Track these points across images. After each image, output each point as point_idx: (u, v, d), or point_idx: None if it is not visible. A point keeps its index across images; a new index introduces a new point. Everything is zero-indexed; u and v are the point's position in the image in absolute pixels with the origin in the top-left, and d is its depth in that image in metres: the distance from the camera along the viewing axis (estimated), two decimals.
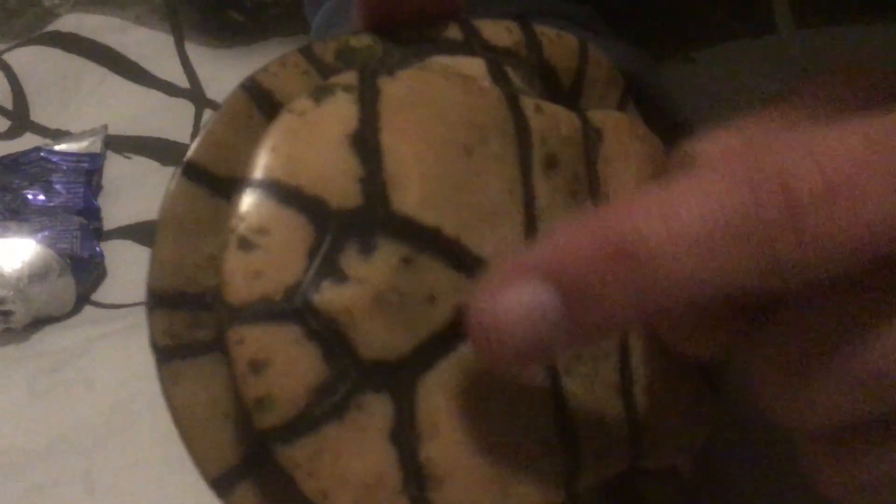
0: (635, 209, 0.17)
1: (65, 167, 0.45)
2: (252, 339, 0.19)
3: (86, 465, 0.32)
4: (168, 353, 0.20)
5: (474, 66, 0.23)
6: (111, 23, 0.53)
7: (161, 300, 0.21)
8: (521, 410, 0.21)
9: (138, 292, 0.39)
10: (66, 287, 0.39)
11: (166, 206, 0.21)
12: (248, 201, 0.19)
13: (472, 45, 0.23)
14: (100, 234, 0.43)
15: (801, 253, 0.16)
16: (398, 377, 0.20)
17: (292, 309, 0.19)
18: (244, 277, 0.19)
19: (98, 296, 0.41)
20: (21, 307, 0.38)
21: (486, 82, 0.23)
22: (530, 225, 0.22)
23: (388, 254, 0.20)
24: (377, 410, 0.20)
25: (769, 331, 0.19)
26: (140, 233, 0.43)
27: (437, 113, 0.22)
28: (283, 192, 0.20)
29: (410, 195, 0.21)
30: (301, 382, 0.19)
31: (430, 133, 0.21)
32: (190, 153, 0.21)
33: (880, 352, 0.17)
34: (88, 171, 0.45)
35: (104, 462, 0.32)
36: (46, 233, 0.40)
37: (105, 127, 0.48)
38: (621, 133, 0.25)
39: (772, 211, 0.16)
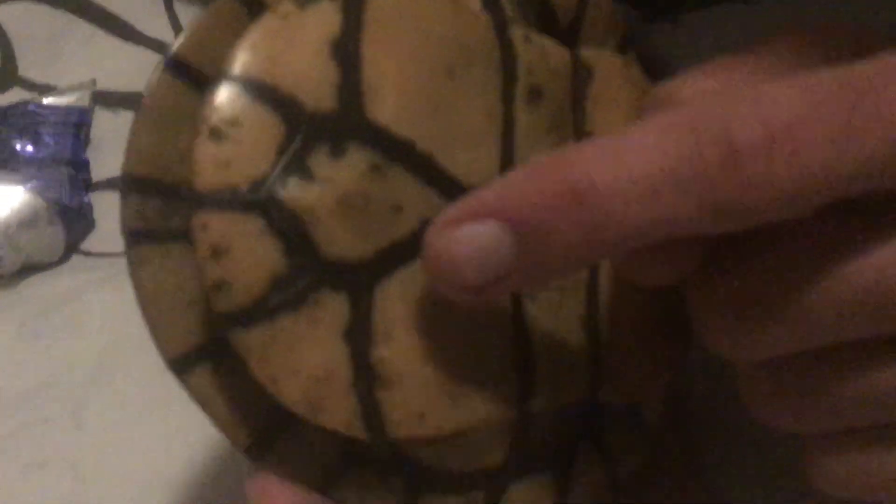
0: (588, 154, 0.18)
1: (53, 120, 0.45)
2: (215, 226, 0.19)
3: (74, 404, 0.32)
4: (138, 236, 0.21)
5: None
6: None
7: (135, 185, 0.21)
8: (478, 327, 0.22)
9: None
10: (54, 235, 0.39)
11: (147, 95, 0.21)
12: (223, 94, 0.20)
13: None
14: (88, 185, 0.43)
15: (742, 198, 0.17)
16: (357, 279, 0.20)
17: (257, 200, 0.20)
18: (213, 165, 0.20)
19: (86, 245, 0.41)
20: (9, 254, 0.38)
21: (477, 6, 0.23)
22: (506, 152, 0.23)
23: (357, 159, 0.21)
24: (333, 308, 0.20)
25: (724, 265, 0.20)
26: None
27: (423, 30, 0.22)
28: (259, 89, 0.20)
29: (387, 106, 0.21)
30: (259, 271, 0.20)
31: (414, 50, 0.22)
32: (175, 47, 0.21)
33: (825, 291, 0.18)
34: (77, 125, 0.45)
35: (93, 401, 0.32)
36: (35, 182, 0.40)
37: (93, 82, 0.48)
38: (613, 75, 0.25)
39: (712, 158, 0.17)
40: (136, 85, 0.48)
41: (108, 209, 0.42)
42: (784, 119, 0.17)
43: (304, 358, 0.20)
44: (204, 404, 0.21)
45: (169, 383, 0.33)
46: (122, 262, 0.39)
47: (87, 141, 0.46)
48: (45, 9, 0.52)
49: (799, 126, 0.17)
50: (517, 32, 0.23)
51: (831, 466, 0.20)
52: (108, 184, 0.43)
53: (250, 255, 0.20)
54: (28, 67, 0.50)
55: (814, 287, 0.18)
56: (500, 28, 0.23)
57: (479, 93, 0.22)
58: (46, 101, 0.46)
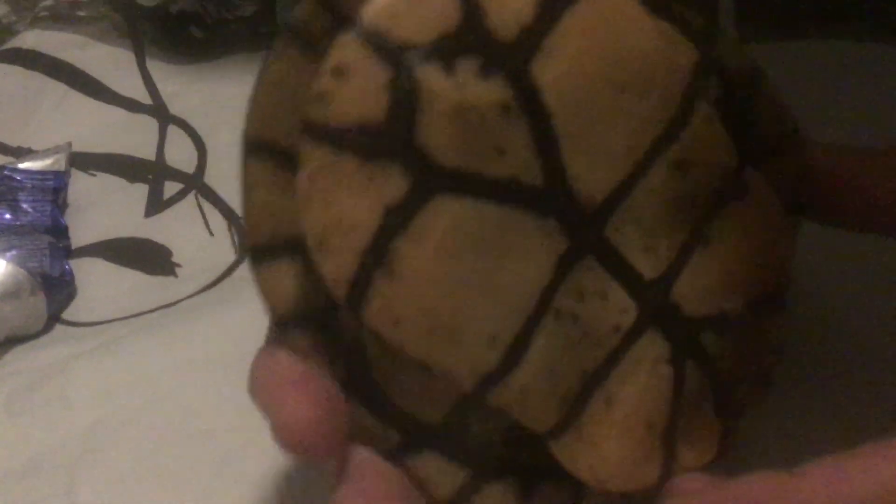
0: None
1: (30, 185, 0.45)
2: (341, 51, 0.21)
3: (68, 483, 0.32)
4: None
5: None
6: (71, 39, 0.53)
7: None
8: (496, 291, 0.23)
9: (109, 310, 0.40)
10: (36, 306, 0.39)
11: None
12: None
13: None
14: (68, 253, 0.43)
15: None
16: (429, 177, 0.22)
17: (393, 51, 0.21)
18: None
19: (69, 314, 0.41)
20: None
21: (688, 46, 0.24)
22: (626, 186, 0.23)
23: (495, 86, 0.22)
24: (393, 182, 0.22)
25: None
26: (109, 250, 0.43)
27: (617, 37, 0.23)
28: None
29: (548, 65, 0.22)
30: (358, 109, 0.21)
31: (597, 44, 0.22)
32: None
33: None
34: (55, 189, 0.45)
35: (87, 478, 0.32)
36: (15, 251, 0.40)
37: (69, 144, 0.48)
38: (760, 210, 0.26)
39: None
40: (111, 146, 0.49)
41: (88, 276, 0.42)
42: None
43: (342, 201, 0.21)
44: (268, 294, 0.23)
45: (162, 455, 0.34)
46: (107, 331, 0.39)
47: (64, 205, 0.46)
48: (17, 70, 0.52)
49: None
50: (703, 108, 0.24)
51: None
52: (89, 250, 0.43)
53: (362, 87, 0.21)
54: (1, 130, 0.50)
55: None
56: (689, 93, 0.24)
57: (633, 124, 0.23)
58: (22, 165, 0.46)
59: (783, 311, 0.26)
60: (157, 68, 0.53)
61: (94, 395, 0.36)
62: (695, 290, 0.25)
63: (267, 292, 0.23)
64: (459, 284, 0.22)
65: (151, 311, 0.40)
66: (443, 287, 0.22)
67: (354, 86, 0.21)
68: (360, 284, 0.21)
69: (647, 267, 0.24)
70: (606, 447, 0.24)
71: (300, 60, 0.23)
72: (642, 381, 0.24)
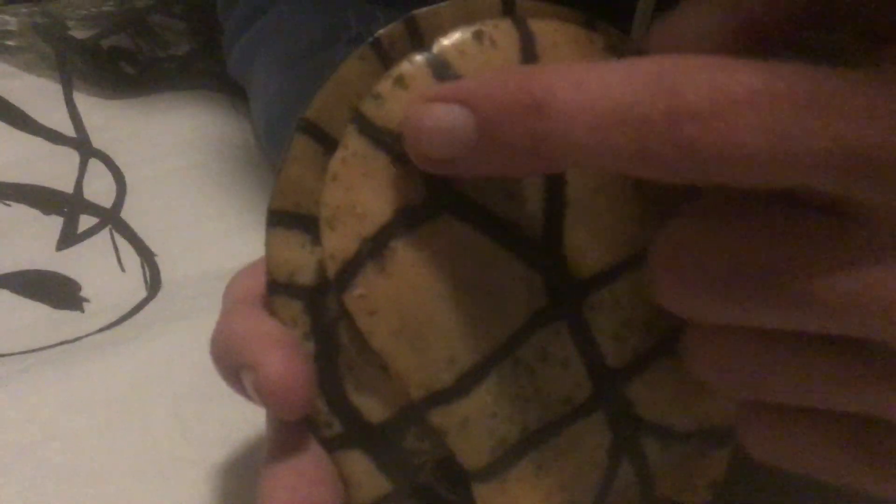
0: (558, 73, 0.19)
1: None
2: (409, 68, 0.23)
3: None
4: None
5: None
6: None
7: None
8: (478, 318, 0.23)
9: (8, 343, 0.39)
10: None
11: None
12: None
13: None
14: None
15: (671, 154, 0.18)
16: (445, 193, 0.23)
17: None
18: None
19: None
20: None
21: None
22: (620, 269, 0.25)
23: None
24: (409, 184, 0.23)
25: (709, 219, 0.21)
26: (15, 282, 0.42)
27: None
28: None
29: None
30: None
31: None
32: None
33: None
34: None
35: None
36: None
37: None
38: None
39: (657, 109, 0.18)
40: (30, 176, 0.48)
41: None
42: (735, 93, 0.18)
43: (363, 189, 0.23)
44: (272, 256, 0.25)
45: (51, 495, 0.33)
46: (4, 365, 0.38)
47: None
48: None
49: (743, 104, 0.18)
50: None
51: (763, 433, 0.22)
52: (0, 280, 0.42)
53: (414, 100, 0.22)
54: None
55: (799, 274, 0.19)
56: None
57: (640, 218, 0.24)
58: None
59: (729, 449, 0.26)
60: (83, 101, 0.53)
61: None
62: (650, 395, 0.25)
63: (271, 254, 0.25)
64: (438, 299, 0.23)
65: (54, 345, 0.39)
66: (422, 296, 0.23)
67: (408, 97, 0.23)
68: (352, 267, 0.23)
69: (612, 354, 0.25)
70: None
71: (374, 69, 0.24)
72: (577, 460, 0.24)
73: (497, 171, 0.21)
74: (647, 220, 0.24)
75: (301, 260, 0.25)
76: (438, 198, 0.23)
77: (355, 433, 0.24)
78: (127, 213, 0.46)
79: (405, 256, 0.23)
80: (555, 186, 0.24)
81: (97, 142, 0.50)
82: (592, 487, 0.25)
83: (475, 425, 0.24)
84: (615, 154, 0.19)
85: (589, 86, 0.19)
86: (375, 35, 0.24)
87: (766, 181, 0.18)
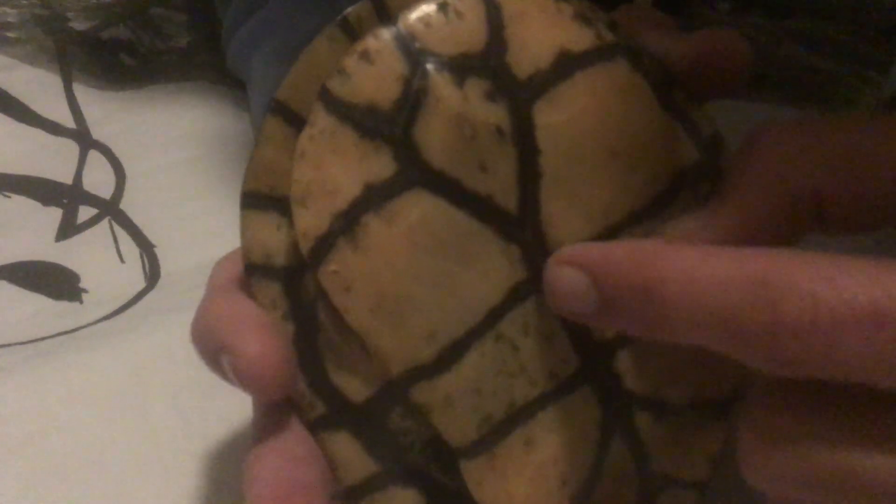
0: (674, 259, 0.21)
1: None
2: (374, 42, 0.24)
3: None
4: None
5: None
6: None
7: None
8: (456, 292, 0.23)
9: (7, 334, 0.39)
10: None
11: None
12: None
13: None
14: None
15: (771, 361, 0.19)
16: (414, 168, 0.23)
17: (411, 52, 0.23)
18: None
19: None
20: None
21: (690, 146, 0.25)
22: (599, 240, 0.24)
23: (492, 111, 0.23)
24: (380, 160, 0.23)
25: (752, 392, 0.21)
26: (15, 273, 0.42)
27: (618, 110, 0.24)
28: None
29: (549, 112, 0.24)
30: (372, 91, 0.23)
31: (599, 110, 0.24)
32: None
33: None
34: None
35: None
36: None
37: None
38: None
39: (755, 322, 0.19)
40: (29, 168, 0.48)
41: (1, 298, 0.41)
42: (837, 313, 0.18)
43: (332, 165, 0.23)
44: (247, 238, 0.25)
45: (51, 485, 0.33)
46: (3, 356, 0.38)
47: None
48: None
49: (848, 325, 0.18)
50: (688, 198, 0.25)
51: None
52: (2, 271, 0.42)
53: (380, 74, 0.23)
54: None
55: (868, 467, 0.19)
56: (678, 182, 0.25)
57: (616, 189, 0.24)
58: None
59: (726, 422, 0.26)
60: (83, 93, 0.52)
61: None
62: (639, 368, 0.25)
63: (246, 237, 0.25)
64: (414, 274, 0.23)
65: (53, 336, 0.39)
66: (398, 271, 0.23)
67: (374, 71, 0.23)
68: (326, 243, 0.23)
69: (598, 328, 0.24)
70: (515, 484, 0.24)
71: (343, 48, 0.24)
72: (567, 435, 0.24)
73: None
74: (625, 188, 0.24)
75: (276, 241, 0.25)
76: (409, 172, 0.23)
77: (339, 414, 0.24)
78: (126, 205, 0.46)
79: (378, 231, 0.23)
80: (529, 157, 0.23)
81: (97, 133, 0.50)
82: (584, 463, 0.24)
83: (459, 402, 0.24)
84: (717, 344, 0.20)
85: (700, 275, 0.20)
86: (343, 14, 0.24)
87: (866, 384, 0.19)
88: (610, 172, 0.24)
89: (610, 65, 0.24)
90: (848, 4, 0.60)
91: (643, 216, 0.24)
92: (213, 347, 0.24)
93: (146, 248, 0.44)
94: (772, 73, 0.54)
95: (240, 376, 0.23)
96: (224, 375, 0.24)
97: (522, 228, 0.24)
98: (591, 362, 0.24)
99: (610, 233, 0.24)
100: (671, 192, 0.25)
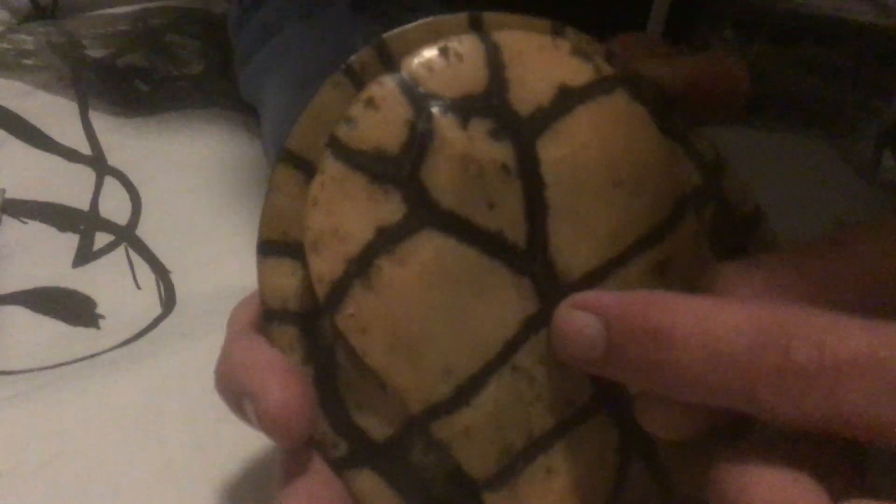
0: (686, 306, 0.21)
1: None
2: (378, 88, 0.24)
3: None
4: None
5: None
6: (16, 87, 0.54)
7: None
8: (470, 327, 0.24)
9: (27, 360, 0.39)
10: None
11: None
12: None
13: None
14: None
15: (778, 402, 0.20)
16: (424, 209, 0.24)
17: (417, 96, 0.24)
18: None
19: None
20: None
21: (691, 169, 0.26)
22: (607, 267, 0.25)
23: (497, 149, 0.24)
24: (391, 204, 0.24)
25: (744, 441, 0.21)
26: (32, 299, 0.43)
27: (620, 140, 0.25)
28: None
29: (553, 147, 0.24)
30: (382, 137, 0.24)
31: (601, 142, 0.25)
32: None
33: None
34: None
35: None
36: None
37: (3, 191, 0.48)
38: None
39: (764, 364, 0.20)
40: (46, 194, 0.49)
41: (9, 325, 0.42)
42: (841, 357, 0.19)
43: (344, 211, 0.24)
44: (264, 285, 0.25)
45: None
46: (23, 382, 0.39)
47: None
48: None
49: (851, 370, 0.19)
50: (692, 222, 0.25)
51: None
52: (12, 298, 0.43)
53: (386, 120, 0.24)
54: None
55: None
56: (681, 206, 0.25)
57: (621, 216, 0.25)
58: None
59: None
60: (99, 119, 0.53)
61: (4, 444, 0.35)
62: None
63: (264, 283, 0.25)
64: (429, 312, 0.24)
65: (70, 362, 0.40)
66: (412, 310, 0.23)
67: (380, 117, 0.24)
68: (341, 288, 0.23)
69: None
70: None
71: (349, 94, 0.25)
72: (586, 461, 0.25)
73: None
74: (630, 215, 0.25)
75: (292, 286, 0.25)
76: (419, 213, 0.24)
77: (362, 452, 0.25)
78: (142, 231, 0.47)
79: (391, 273, 0.23)
80: (535, 191, 0.24)
81: (112, 160, 0.51)
82: (605, 487, 0.25)
83: (479, 435, 0.24)
84: (724, 392, 0.20)
85: (711, 325, 0.20)
86: (347, 61, 0.25)
87: (864, 439, 0.20)
88: (615, 201, 0.24)
89: (609, 97, 0.25)
90: (853, 32, 0.61)
91: (650, 242, 0.25)
92: (236, 393, 0.25)
93: (162, 273, 0.44)
94: (776, 100, 0.55)
95: (263, 423, 0.23)
96: (249, 421, 0.25)
97: (532, 261, 0.24)
98: (606, 387, 0.25)
99: (618, 260, 0.25)
100: (675, 217, 0.25)
